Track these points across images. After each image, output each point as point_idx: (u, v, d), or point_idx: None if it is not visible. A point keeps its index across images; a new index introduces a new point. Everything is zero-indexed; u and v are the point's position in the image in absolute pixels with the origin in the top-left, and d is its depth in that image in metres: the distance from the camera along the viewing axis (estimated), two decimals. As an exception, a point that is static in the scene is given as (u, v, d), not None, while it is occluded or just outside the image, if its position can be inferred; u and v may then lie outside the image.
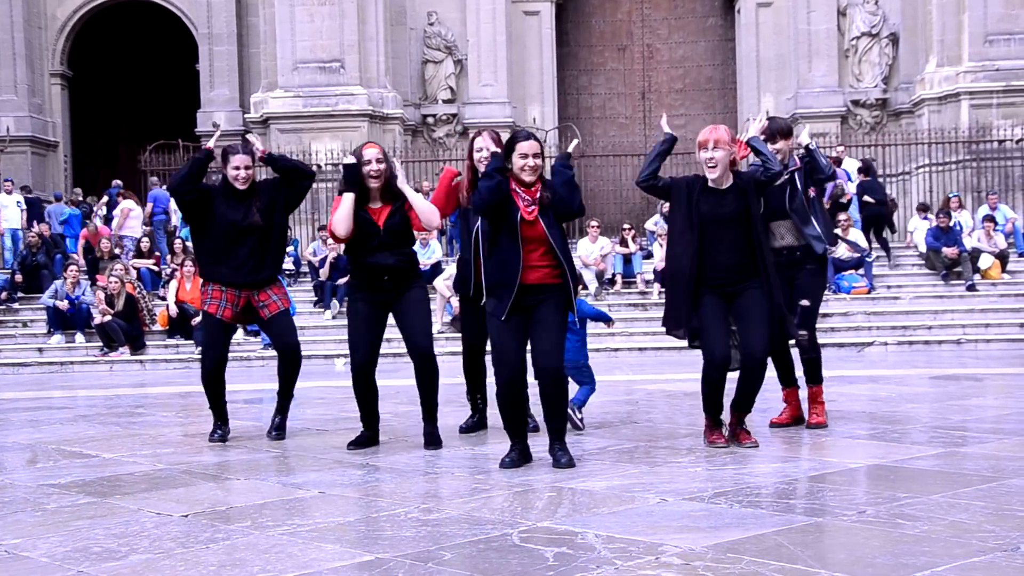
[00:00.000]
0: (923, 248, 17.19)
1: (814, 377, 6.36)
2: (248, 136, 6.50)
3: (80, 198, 21.45)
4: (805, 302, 6.24)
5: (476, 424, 6.66)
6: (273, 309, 6.44)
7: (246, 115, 21.68)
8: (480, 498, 4.54)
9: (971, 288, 15.82)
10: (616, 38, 23.33)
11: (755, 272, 5.57)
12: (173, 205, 19.46)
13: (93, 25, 23.52)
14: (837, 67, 21.51)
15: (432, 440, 6.00)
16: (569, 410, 6.77)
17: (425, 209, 5.98)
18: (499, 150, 6.08)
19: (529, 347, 5.32)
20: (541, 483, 4.86)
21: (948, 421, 6.62)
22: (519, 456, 5.31)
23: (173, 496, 4.82)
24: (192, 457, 6.00)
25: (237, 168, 6.29)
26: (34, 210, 19.77)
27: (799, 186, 6.13)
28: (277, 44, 20.74)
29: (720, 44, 23.18)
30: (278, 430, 6.59)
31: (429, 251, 16.20)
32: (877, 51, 21.51)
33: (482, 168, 6.23)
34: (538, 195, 5.28)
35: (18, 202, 19.29)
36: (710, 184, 5.62)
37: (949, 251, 16.18)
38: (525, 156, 5.28)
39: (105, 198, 20.11)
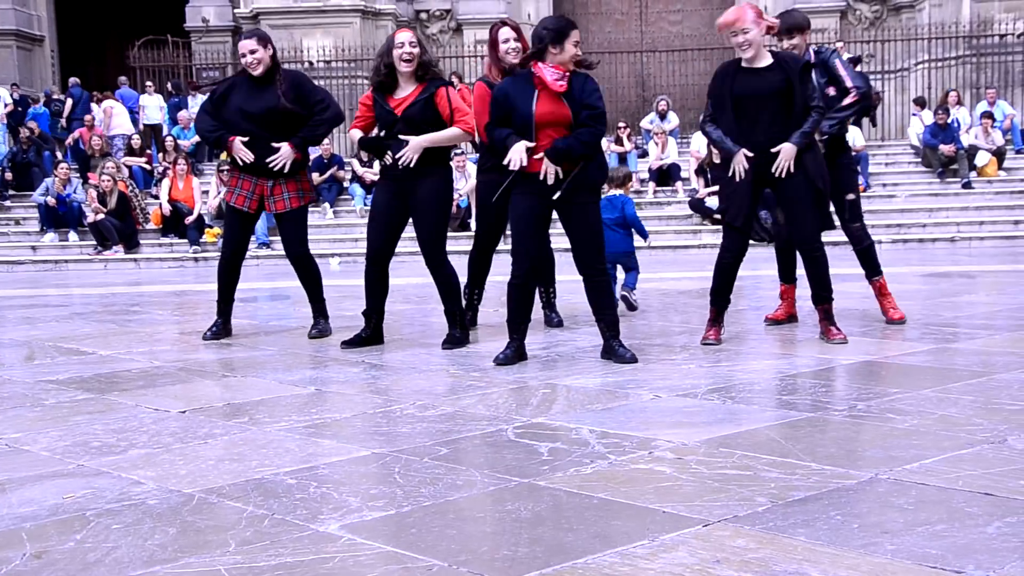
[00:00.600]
0: (916, 143, 17.10)
1: (875, 268, 6.35)
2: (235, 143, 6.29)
3: (54, 95, 21.01)
4: (851, 196, 6.27)
5: (469, 321, 6.67)
6: (279, 207, 6.34)
7: (236, 10, 21.24)
8: (476, 395, 4.58)
9: (967, 186, 15.78)
10: (613, -71, 22.75)
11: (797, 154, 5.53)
12: (144, 102, 19.21)
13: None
14: (838, -43, 21.06)
15: (449, 340, 5.97)
16: (625, 293, 7.17)
17: (453, 136, 5.83)
18: (519, 44, 6.02)
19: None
20: (536, 380, 4.90)
21: (939, 318, 6.67)
22: (514, 353, 5.34)
23: (171, 392, 4.86)
24: (188, 355, 6.03)
25: (243, 55, 6.19)
26: (23, 106, 19.50)
27: (815, 82, 6.03)
28: (266, -66, 20.20)
29: (719, -65, 22.60)
30: (316, 329, 6.54)
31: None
32: (879, -57, 21.02)
33: (510, 59, 6.10)
34: (568, 74, 5.18)
35: None
36: (744, 64, 5.53)
37: (946, 148, 16.07)
38: (577, 44, 5.17)
39: (69, 100, 19.57)
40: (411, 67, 5.78)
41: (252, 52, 6.19)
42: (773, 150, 5.50)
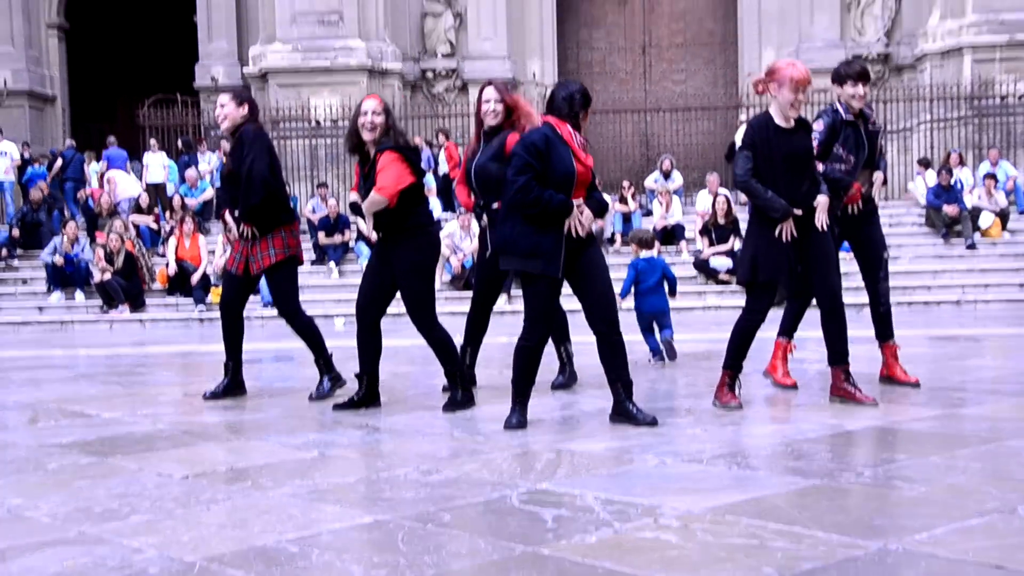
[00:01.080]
0: (921, 202, 17.18)
1: (890, 331, 6.34)
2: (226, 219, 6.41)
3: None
4: (887, 254, 6.37)
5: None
6: (263, 264, 6.36)
7: (244, 69, 21.49)
8: (480, 459, 4.56)
9: (971, 247, 15.79)
10: (617, -9, 23.09)
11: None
12: (147, 160, 19.38)
13: (90, -23, 23.27)
14: (839, 20, 21.31)
15: (450, 403, 5.93)
16: (668, 340, 7.83)
17: (373, 201, 5.71)
18: (500, 106, 6.07)
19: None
20: (539, 444, 4.88)
21: (946, 382, 6.64)
22: (524, 418, 5.30)
23: (174, 456, 4.84)
24: (193, 417, 6.02)
25: (217, 108, 6.33)
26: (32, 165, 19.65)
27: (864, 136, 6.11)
28: (276, -4, 20.51)
29: (722, -3, 22.93)
30: (316, 391, 6.50)
31: (428, 208, 16.13)
32: (880, 4, 21.29)
33: (489, 120, 6.19)
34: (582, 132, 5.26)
35: (4, 152, 18.97)
36: (778, 123, 5.52)
37: (949, 209, 16.12)
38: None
39: (59, 161, 19.63)
40: (373, 135, 5.78)
41: (221, 106, 6.31)
42: (815, 203, 5.52)
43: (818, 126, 5.94)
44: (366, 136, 5.81)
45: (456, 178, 6.58)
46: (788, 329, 6.40)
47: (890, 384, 6.32)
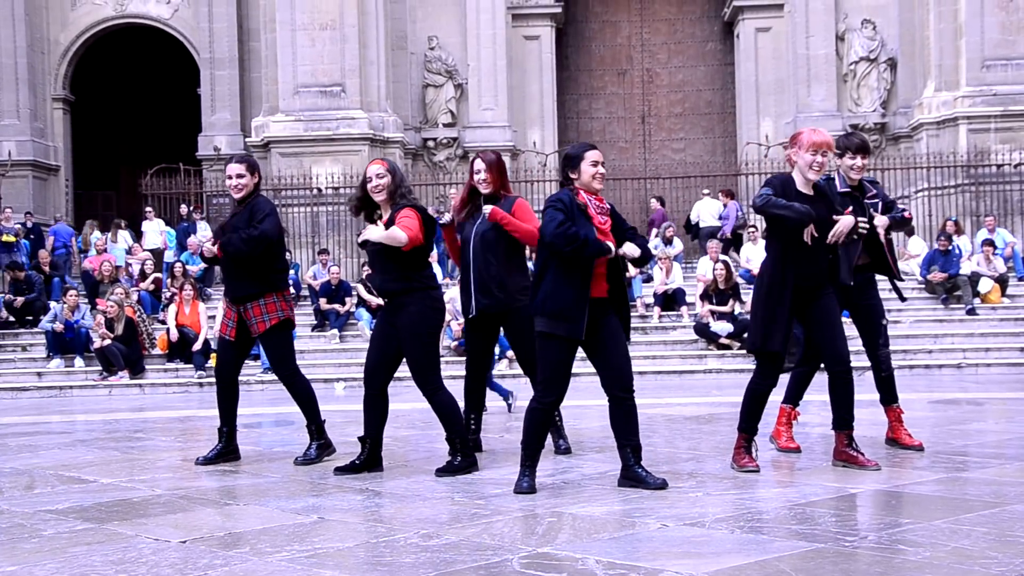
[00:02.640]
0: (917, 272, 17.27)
1: (893, 395, 6.35)
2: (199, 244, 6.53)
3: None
4: (886, 320, 6.43)
5: (472, 447, 6.61)
6: (259, 328, 6.37)
7: (247, 139, 21.74)
8: (480, 523, 4.52)
9: (971, 312, 15.81)
10: (616, 62, 23.44)
11: (830, 278, 5.62)
12: (144, 228, 19.52)
13: (95, 50, 23.64)
14: (836, 91, 21.60)
15: (445, 468, 5.89)
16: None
17: (392, 235, 5.70)
18: (487, 177, 6.18)
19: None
20: (542, 508, 4.83)
21: (949, 446, 6.59)
22: (534, 481, 5.24)
23: (171, 521, 4.79)
24: (191, 482, 5.97)
25: (229, 177, 6.38)
26: (36, 234, 19.75)
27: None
28: (278, 68, 20.82)
29: (719, 68, 23.28)
30: (303, 455, 6.47)
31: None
32: (875, 76, 21.61)
33: (482, 189, 6.31)
34: (605, 203, 5.28)
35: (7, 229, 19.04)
36: (798, 187, 5.53)
37: (932, 276, 16.24)
38: (596, 164, 5.23)
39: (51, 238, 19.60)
40: (383, 196, 5.88)
41: (239, 176, 6.35)
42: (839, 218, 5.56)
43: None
44: (378, 198, 5.89)
45: (445, 236, 6.67)
46: (794, 396, 6.38)
47: (894, 447, 6.29)
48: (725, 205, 19.35)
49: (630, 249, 5.20)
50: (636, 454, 5.27)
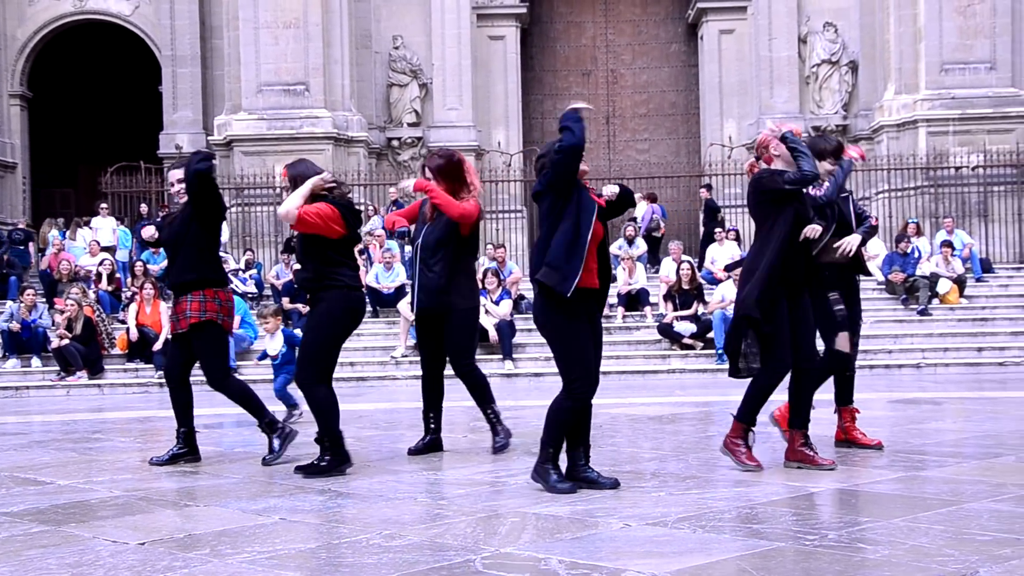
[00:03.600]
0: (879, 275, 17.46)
1: (850, 396, 6.44)
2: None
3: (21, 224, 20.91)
4: (861, 322, 6.64)
5: (427, 446, 6.63)
6: (181, 325, 6.33)
7: (209, 137, 21.55)
8: (443, 524, 4.51)
9: (923, 313, 16.00)
10: (580, 63, 23.51)
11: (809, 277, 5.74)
12: (96, 224, 19.28)
13: (54, 46, 23.34)
14: (798, 93, 21.79)
15: (311, 467, 5.85)
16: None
17: (283, 208, 5.87)
18: (430, 175, 6.28)
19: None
20: (504, 508, 4.83)
21: (908, 445, 6.67)
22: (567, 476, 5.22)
23: (130, 523, 4.74)
24: (149, 483, 5.91)
25: (172, 183, 6.44)
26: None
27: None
28: (241, 66, 20.66)
29: (683, 70, 23.41)
30: (271, 455, 6.40)
31: (393, 274, 16.14)
32: (837, 78, 21.82)
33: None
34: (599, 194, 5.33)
35: None
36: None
37: (893, 276, 16.42)
38: (582, 173, 5.27)
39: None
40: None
41: (180, 182, 6.35)
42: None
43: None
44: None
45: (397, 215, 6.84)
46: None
47: (850, 447, 6.34)
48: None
49: (609, 189, 5.24)
50: (587, 454, 5.33)
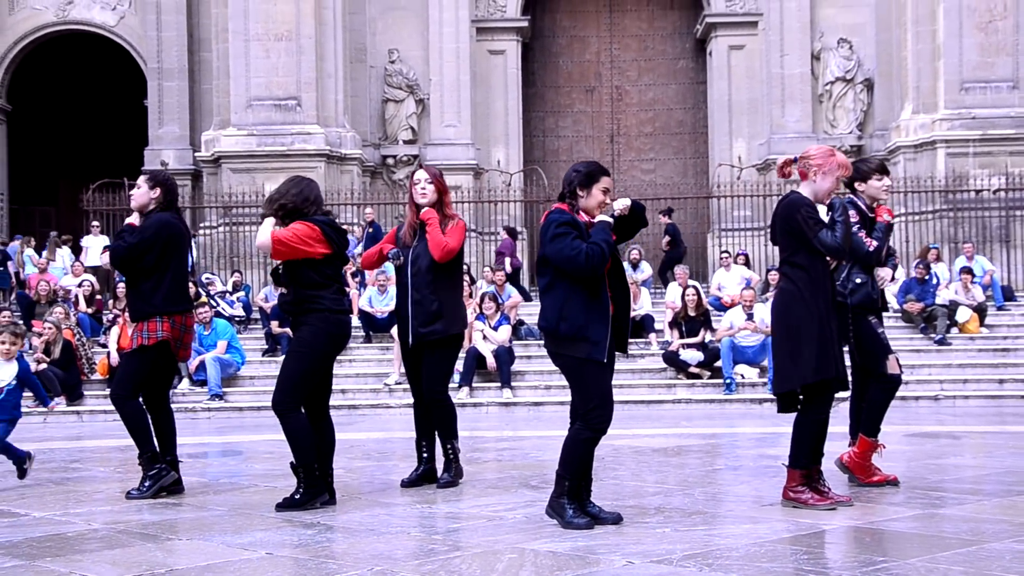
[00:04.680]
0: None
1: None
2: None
3: None
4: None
5: (420, 477, 6.64)
6: (127, 345, 6.53)
7: (196, 154, 21.63)
8: (437, 560, 4.50)
9: (941, 343, 15.99)
10: (584, 79, 23.61)
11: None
12: (86, 243, 19.30)
13: (35, 57, 23.45)
14: (811, 112, 21.88)
15: (288, 501, 5.84)
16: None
17: (260, 238, 5.98)
18: (431, 186, 6.28)
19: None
20: (501, 544, 4.82)
21: (925, 481, 6.66)
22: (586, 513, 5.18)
23: (108, 558, 4.73)
24: (130, 516, 5.89)
25: (130, 186, 6.50)
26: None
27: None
28: (231, 80, 20.73)
29: (691, 87, 23.52)
30: (138, 490, 6.48)
31: (387, 297, 16.16)
32: (852, 96, 21.93)
33: (422, 200, 6.44)
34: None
35: None
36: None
37: (909, 307, 16.39)
38: (606, 191, 5.23)
39: None
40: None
41: (136, 187, 6.48)
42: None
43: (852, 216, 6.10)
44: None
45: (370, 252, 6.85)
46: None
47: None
48: None
49: (621, 203, 5.20)
50: (588, 488, 5.32)
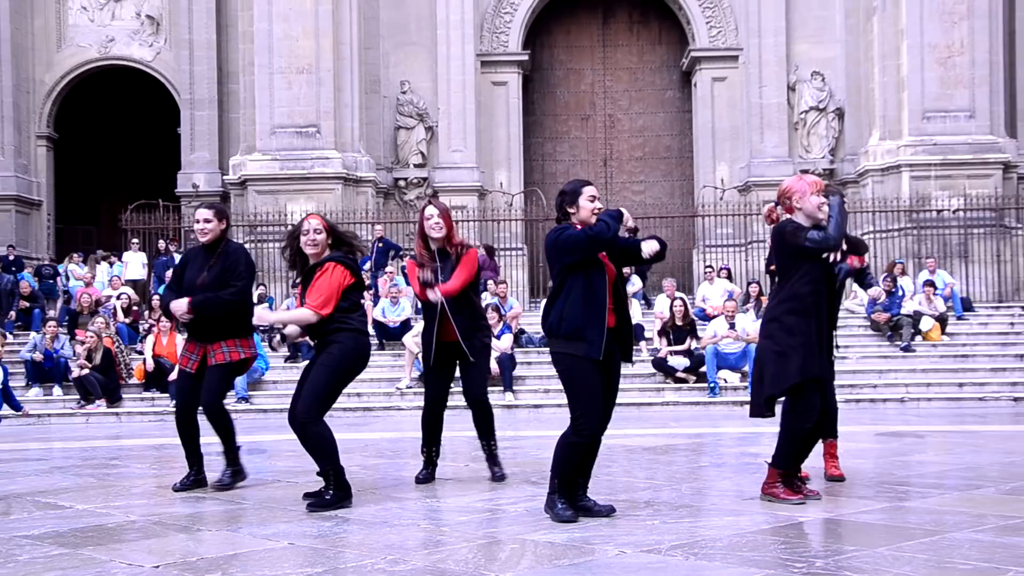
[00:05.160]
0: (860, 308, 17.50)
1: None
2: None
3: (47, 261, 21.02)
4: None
5: (427, 477, 6.63)
6: (217, 359, 6.37)
7: (225, 177, 21.67)
8: (444, 550, 4.50)
9: (906, 349, 16.00)
10: (579, 108, 23.64)
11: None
12: (126, 259, 19.26)
13: (79, 90, 23.51)
14: (787, 138, 21.90)
15: (317, 502, 5.66)
16: None
17: (299, 317, 5.75)
18: (442, 220, 6.22)
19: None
20: (504, 535, 4.82)
21: (892, 476, 6.66)
22: (576, 511, 5.12)
23: (145, 547, 4.73)
24: (164, 508, 5.90)
25: (197, 221, 6.33)
26: (18, 267, 19.53)
27: None
28: (256, 110, 20.80)
29: (678, 115, 23.54)
30: (218, 481, 6.49)
31: (399, 308, 16.17)
32: (824, 124, 21.95)
33: (434, 234, 6.41)
34: None
35: None
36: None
37: (876, 316, 16.42)
38: (593, 199, 5.23)
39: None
40: (314, 251, 5.80)
41: (206, 221, 6.31)
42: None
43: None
44: (309, 251, 5.82)
45: (417, 291, 6.74)
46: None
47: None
48: None
49: (649, 246, 5.21)
50: (585, 485, 5.30)
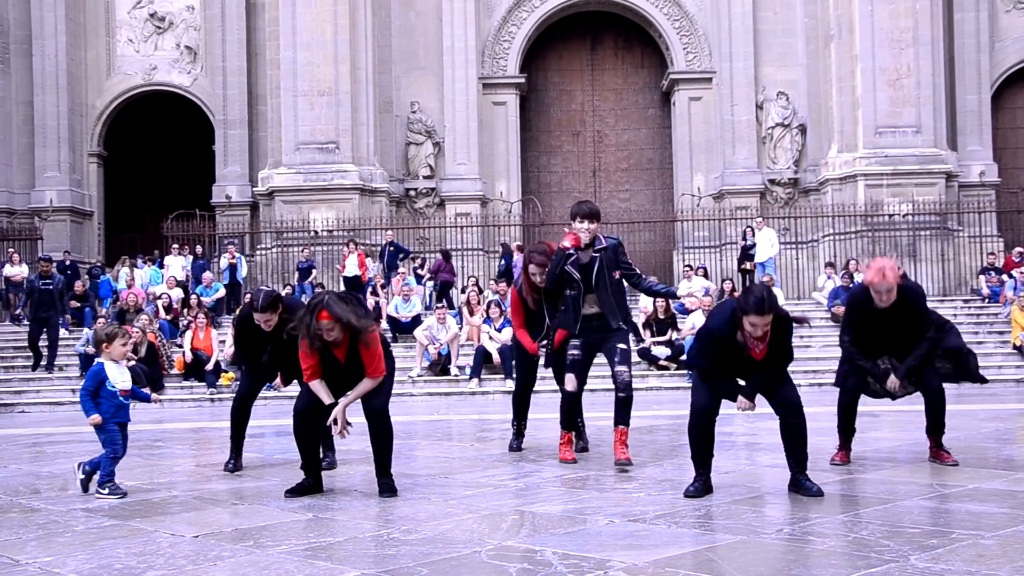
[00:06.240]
0: (823, 299, 17.49)
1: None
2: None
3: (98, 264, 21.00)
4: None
5: (518, 446, 6.95)
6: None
7: (254, 188, 21.70)
8: (452, 520, 4.50)
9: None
10: (571, 125, 23.63)
11: None
12: (168, 262, 19.21)
13: (126, 112, 23.51)
14: (756, 151, 21.88)
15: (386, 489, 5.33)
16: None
17: (366, 388, 5.36)
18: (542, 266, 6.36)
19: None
20: (505, 507, 4.83)
21: (851, 452, 6.64)
22: (703, 487, 4.98)
23: (185, 519, 4.73)
24: (203, 485, 5.90)
25: (258, 322, 6.10)
26: (73, 271, 19.52)
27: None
28: (282, 128, 20.81)
29: (659, 131, 23.52)
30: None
31: (410, 305, 16.16)
32: (789, 139, 21.93)
33: (537, 280, 6.55)
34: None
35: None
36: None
37: (836, 310, 16.42)
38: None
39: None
40: (339, 337, 5.18)
41: (267, 321, 6.03)
42: None
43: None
44: (329, 337, 5.21)
45: (516, 325, 6.93)
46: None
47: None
48: None
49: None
50: (800, 466, 5.02)
